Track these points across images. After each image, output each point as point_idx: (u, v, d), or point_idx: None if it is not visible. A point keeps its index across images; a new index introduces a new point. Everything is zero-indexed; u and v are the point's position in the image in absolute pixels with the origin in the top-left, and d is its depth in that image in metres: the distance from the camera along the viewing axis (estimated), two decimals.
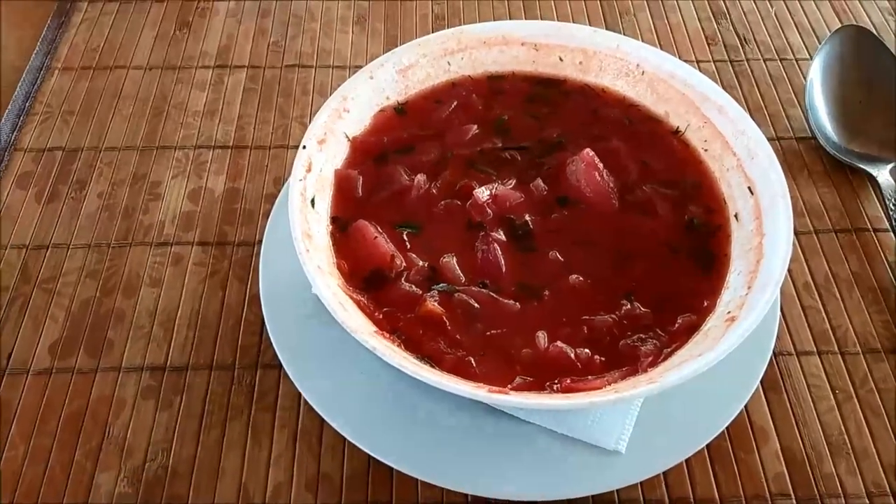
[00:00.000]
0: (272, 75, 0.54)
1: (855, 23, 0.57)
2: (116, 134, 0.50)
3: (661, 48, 0.56)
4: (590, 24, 0.58)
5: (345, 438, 0.37)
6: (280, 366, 0.39)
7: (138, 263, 0.44)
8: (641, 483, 0.36)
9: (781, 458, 0.37)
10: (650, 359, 0.33)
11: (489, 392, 0.30)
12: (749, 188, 0.37)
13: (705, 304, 0.35)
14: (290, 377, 0.36)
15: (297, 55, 0.55)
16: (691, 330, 0.34)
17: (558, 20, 0.57)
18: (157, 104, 0.52)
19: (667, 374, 0.31)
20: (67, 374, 0.40)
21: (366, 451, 0.35)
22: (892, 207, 0.45)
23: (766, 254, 0.34)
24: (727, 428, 0.38)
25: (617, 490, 0.35)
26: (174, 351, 0.41)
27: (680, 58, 0.55)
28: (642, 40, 0.56)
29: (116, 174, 0.48)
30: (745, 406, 0.38)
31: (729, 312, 0.33)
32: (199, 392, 0.39)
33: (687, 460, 0.37)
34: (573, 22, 0.57)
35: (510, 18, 0.57)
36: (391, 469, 0.36)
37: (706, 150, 0.40)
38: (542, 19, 0.57)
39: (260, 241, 0.41)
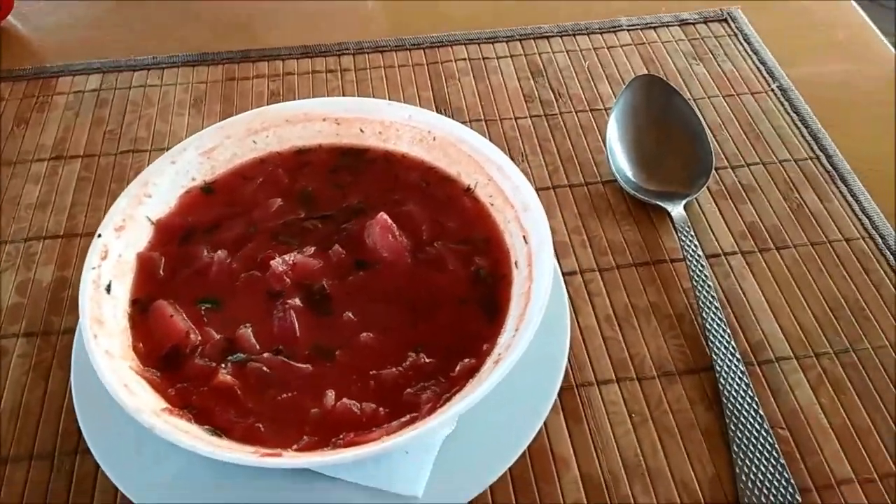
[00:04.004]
0: (107, 162, 0.56)
1: (661, 70, 0.63)
2: None
3: (483, 108, 0.60)
4: (418, 91, 0.62)
5: None
6: None
7: None
8: None
9: (580, 485, 0.40)
10: (430, 405, 0.35)
11: (261, 457, 0.32)
12: (524, 237, 0.40)
13: (485, 347, 0.37)
14: (100, 464, 0.37)
15: (132, 141, 0.57)
16: (471, 373, 0.36)
17: (389, 89, 0.61)
18: None
19: (430, 419, 0.33)
20: None
21: None
22: (684, 237, 0.49)
23: (532, 297, 0.37)
24: (530, 459, 0.40)
25: None
26: None
27: (500, 116, 0.60)
28: (466, 104, 0.61)
29: None
30: (548, 437, 0.41)
31: (499, 354, 0.36)
32: (18, 484, 0.40)
33: (491, 496, 0.39)
34: (404, 90, 0.61)
35: (343, 93, 0.61)
36: None
37: (492, 205, 0.43)
38: (374, 90, 0.61)
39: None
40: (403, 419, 0.35)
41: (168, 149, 0.56)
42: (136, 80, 0.62)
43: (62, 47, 0.66)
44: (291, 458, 0.32)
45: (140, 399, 0.33)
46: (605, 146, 0.56)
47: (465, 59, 0.64)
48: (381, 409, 0.35)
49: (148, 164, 0.54)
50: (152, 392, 0.35)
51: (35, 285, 0.48)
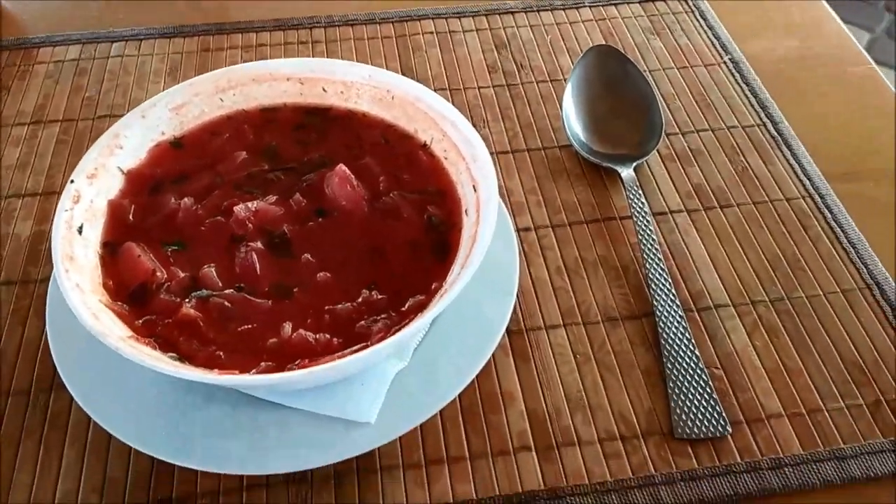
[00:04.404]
0: (84, 126, 0.58)
1: (619, 43, 0.66)
2: None
3: (448, 78, 0.63)
4: (387, 61, 0.64)
5: (130, 447, 0.40)
6: None
7: None
8: (401, 446, 0.41)
9: (526, 417, 0.43)
10: (380, 335, 0.38)
11: (218, 374, 0.34)
12: (474, 186, 0.43)
13: (434, 286, 0.40)
14: (73, 396, 0.40)
15: (109, 107, 0.59)
16: (420, 309, 0.39)
17: (358, 60, 0.64)
18: None
19: (379, 345, 0.35)
20: None
21: (143, 451, 0.38)
22: (632, 196, 0.52)
23: (478, 239, 0.40)
24: (479, 394, 0.43)
25: (378, 452, 0.40)
26: None
27: (464, 85, 0.62)
28: (432, 74, 0.63)
29: None
30: (497, 375, 0.44)
31: (445, 291, 0.38)
32: None
33: (442, 426, 0.42)
34: (373, 60, 0.64)
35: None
36: (173, 467, 0.40)
37: (446, 159, 0.46)
38: (342, 60, 0.63)
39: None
40: (355, 348, 0.37)
41: None
42: (115, 51, 0.64)
43: (43, 20, 0.68)
44: (247, 377, 0.35)
45: (107, 326, 0.36)
46: (561, 112, 0.59)
47: (431, 33, 0.67)
48: (334, 339, 0.38)
49: None
50: (120, 323, 0.37)
51: (14, 239, 0.50)
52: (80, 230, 0.40)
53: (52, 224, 0.50)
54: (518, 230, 0.51)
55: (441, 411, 0.42)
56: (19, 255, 0.50)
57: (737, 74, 0.63)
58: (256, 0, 0.70)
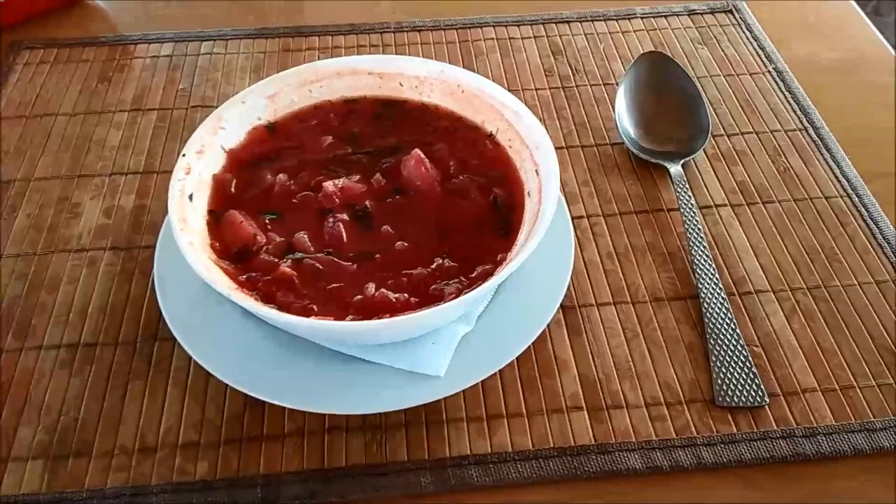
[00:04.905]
0: (179, 115, 0.64)
1: (669, 51, 0.70)
2: (44, 167, 0.60)
3: (508, 80, 0.68)
4: (450, 64, 0.69)
5: (226, 388, 0.45)
6: (173, 338, 0.47)
7: (59, 267, 0.53)
8: (464, 402, 0.45)
9: (578, 382, 0.47)
10: (452, 296, 0.42)
11: (314, 319, 0.39)
12: (536, 171, 0.48)
13: (499, 257, 0.45)
14: (179, 341, 0.45)
15: (201, 98, 0.65)
16: (487, 276, 0.44)
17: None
18: (80, 143, 0.62)
19: (452, 303, 0.40)
20: None
21: (240, 389, 0.43)
22: (680, 190, 0.56)
23: (540, 216, 0.44)
24: (535, 360, 0.47)
25: (444, 405, 0.45)
26: (87, 332, 0.49)
27: (523, 87, 0.67)
28: (493, 76, 0.68)
29: (43, 199, 0.57)
30: (552, 344, 0.48)
31: (510, 260, 0.43)
32: (106, 362, 0.48)
33: (502, 387, 0.46)
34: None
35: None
36: (263, 408, 0.45)
37: (510, 147, 0.50)
38: (417, 57, 0.69)
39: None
40: (430, 307, 0.42)
41: None
42: (204, 49, 0.70)
43: (135, 20, 0.75)
44: (341, 322, 0.40)
45: (217, 278, 0.41)
46: (614, 113, 0.63)
47: (493, 39, 0.72)
48: (412, 298, 0.43)
49: None
50: (226, 277, 0.43)
51: (119, 210, 0.56)
52: (190, 198, 0.46)
53: (151, 200, 0.57)
54: (572, 218, 0.55)
55: (500, 372, 0.46)
56: (124, 225, 0.55)
57: (780, 83, 0.67)
58: (329, 9, 0.76)
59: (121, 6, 0.77)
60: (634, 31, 0.73)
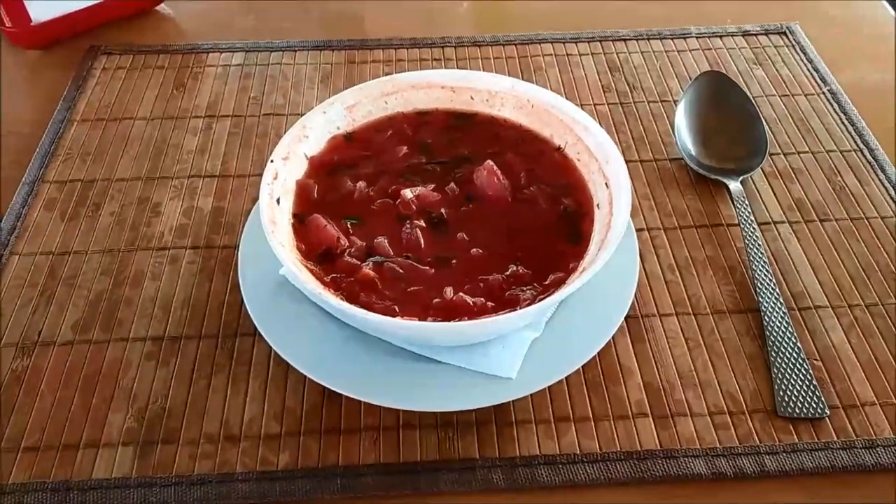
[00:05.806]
0: (252, 122, 0.67)
1: (724, 71, 0.72)
2: (125, 169, 0.63)
3: (566, 95, 0.70)
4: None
5: (305, 381, 0.48)
6: (254, 333, 0.50)
7: (142, 263, 0.55)
8: (532, 404, 0.47)
9: (643, 389, 0.48)
10: (527, 302, 0.44)
11: (399, 319, 0.41)
12: (606, 183, 0.49)
13: (571, 265, 0.46)
14: (263, 335, 0.47)
15: (272, 106, 0.68)
16: (560, 283, 0.45)
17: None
18: (158, 146, 0.65)
19: (528, 309, 0.42)
20: (86, 344, 0.51)
21: (320, 382, 0.45)
22: (739, 206, 0.58)
23: (612, 227, 0.46)
24: (601, 367, 0.49)
25: (513, 407, 0.46)
26: (171, 326, 0.52)
27: (581, 103, 0.69)
28: (551, 91, 0.70)
29: (125, 198, 0.60)
30: (616, 352, 0.50)
31: (584, 269, 0.45)
32: (191, 355, 0.50)
33: (568, 391, 0.48)
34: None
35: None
36: (340, 402, 0.47)
37: (579, 160, 0.52)
38: (488, 73, 0.71)
39: (239, 245, 0.53)
40: (506, 311, 0.44)
41: (302, 114, 0.67)
42: (273, 59, 0.73)
43: (205, 29, 0.78)
44: (425, 323, 0.42)
45: (307, 277, 0.43)
46: (672, 129, 0.65)
47: (551, 55, 0.74)
48: (489, 303, 0.44)
49: (285, 127, 0.66)
50: (312, 277, 0.45)
51: (198, 211, 0.59)
52: (277, 201, 0.48)
53: (228, 202, 0.59)
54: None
55: (567, 378, 0.48)
56: (203, 225, 0.58)
57: (835, 104, 0.68)
58: (391, 23, 0.78)
59: (189, 15, 0.80)
60: (690, 51, 0.74)
